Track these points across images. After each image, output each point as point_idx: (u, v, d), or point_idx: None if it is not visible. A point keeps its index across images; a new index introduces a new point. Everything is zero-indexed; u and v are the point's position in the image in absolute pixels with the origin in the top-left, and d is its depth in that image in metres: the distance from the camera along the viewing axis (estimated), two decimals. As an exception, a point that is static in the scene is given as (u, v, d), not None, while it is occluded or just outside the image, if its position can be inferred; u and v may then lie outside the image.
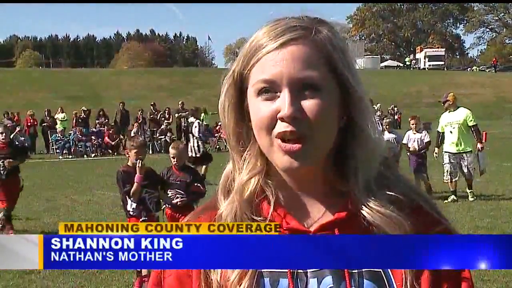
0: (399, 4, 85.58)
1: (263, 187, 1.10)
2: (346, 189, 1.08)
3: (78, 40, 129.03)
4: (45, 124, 24.79)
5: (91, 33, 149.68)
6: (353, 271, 1.03)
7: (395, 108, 33.88)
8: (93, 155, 22.70)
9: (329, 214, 1.08)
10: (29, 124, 24.47)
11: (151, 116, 25.28)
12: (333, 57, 1.03)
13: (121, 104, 26.11)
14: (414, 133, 11.11)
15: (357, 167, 1.07)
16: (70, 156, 22.24)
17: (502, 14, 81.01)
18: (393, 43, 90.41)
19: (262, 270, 1.02)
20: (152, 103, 26.52)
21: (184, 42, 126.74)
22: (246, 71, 1.05)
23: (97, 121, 25.10)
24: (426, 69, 64.76)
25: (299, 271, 1.03)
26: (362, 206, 1.06)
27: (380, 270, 1.04)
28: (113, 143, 23.47)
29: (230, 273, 1.04)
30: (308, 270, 1.03)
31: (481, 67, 70.70)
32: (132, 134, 6.33)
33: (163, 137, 24.32)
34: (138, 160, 5.99)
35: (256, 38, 1.05)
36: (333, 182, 1.10)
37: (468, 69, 65.81)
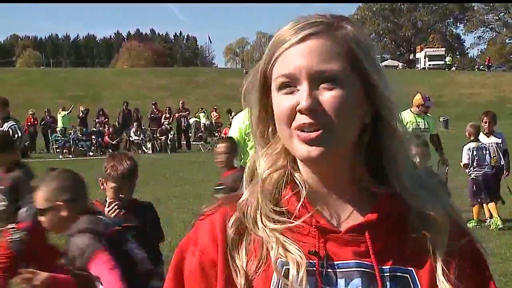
0: (399, 3, 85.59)
1: (292, 181, 1.10)
2: (377, 190, 1.08)
3: (78, 39, 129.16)
4: (45, 123, 24.80)
5: (91, 33, 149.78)
6: (383, 274, 1.02)
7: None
8: (92, 154, 22.70)
9: (358, 215, 1.07)
10: (29, 123, 24.46)
11: (152, 115, 25.30)
12: (354, 52, 1.03)
13: (124, 103, 26.05)
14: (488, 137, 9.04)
15: (391, 164, 1.07)
16: (70, 156, 22.23)
17: (502, 14, 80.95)
18: (393, 43, 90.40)
19: (303, 270, 1.01)
20: (153, 102, 26.55)
21: (184, 42, 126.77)
22: (270, 67, 1.07)
23: (97, 121, 25.11)
24: (426, 69, 64.76)
25: (328, 270, 1.03)
26: (403, 206, 1.06)
27: (407, 275, 1.04)
28: (113, 142, 23.50)
29: (255, 262, 1.04)
30: (337, 271, 1.03)
31: (481, 67, 70.79)
32: (113, 153, 4.16)
33: (163, 137, 24.34)
34: (111, 203, 3.41)
35: (279, 35, 1.06)
36: (362, 182, 1.10)
37: (453, 68, 65.26)
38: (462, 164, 8.90)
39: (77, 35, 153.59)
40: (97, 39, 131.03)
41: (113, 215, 3.30)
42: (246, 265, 1.04)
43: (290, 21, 1.07)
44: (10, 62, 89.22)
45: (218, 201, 1.15)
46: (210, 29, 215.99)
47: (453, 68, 58.06)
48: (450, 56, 65.87)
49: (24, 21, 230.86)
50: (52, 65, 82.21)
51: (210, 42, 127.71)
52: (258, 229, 1.06)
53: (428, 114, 8.48)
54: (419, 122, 8.22)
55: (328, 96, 1.01)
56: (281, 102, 1.04)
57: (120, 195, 3.47)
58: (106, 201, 3.47)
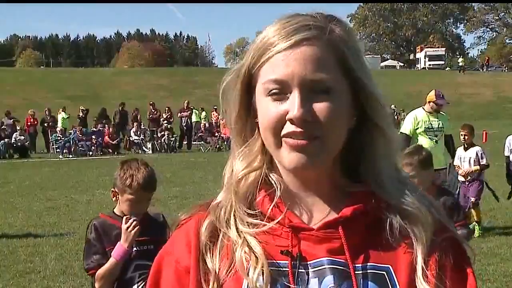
0: (399, 3, 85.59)
1: (265, 183, 1.07)
2: (353, 190, 1.06)
3: (78, 39, 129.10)
4: (45, 123, 24.79)
5: (91, 33, 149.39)
6: (356, 272, 1.01)
7: (394, 108, 33.79)
8: (92, 154, 22.68)
9: (333, 213, 1.05)
10: (29, 123, 24.45)
11: (150, 115, 25.30)
12: (346, 58, 1.01)
13: (120, 105, 26.03)
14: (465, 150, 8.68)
15: (371, 164, 1.06)
16: (70, 156, 22.23)
17: (502, 14, 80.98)
18: (393, 43, 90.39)
19: (263, 268, 1.00)
20: (151, 102, 26.52)
21: (184, 42, 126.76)
22: (256, 68, 1.03)
23: (97, 121, 25.11)
24: (426, 69, 64.79)
25: (300, 270, 1.01)
26: (380, 203, 1.04)
27: (384, 272, 1.02)
28: (113, 142, 23.50)
29: (226, 265, 1.03)
30: (310, 270, 1.01)
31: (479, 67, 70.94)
32: (127, 161, 3.20)
33: (163, 137, 24.33)
34: (128, 218, 2.99)
35: (268, 35, 1.01)
36: (339, 183, 1.08)
37: (447, 68, 65.21)
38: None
39: (77, 35, 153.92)
40: (97, 39, 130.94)
41: (133, 232, 2.94)
42: (219, 268, 1.03)
43: (278, 20, 1.02)
44: (10, 62, 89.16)
45: (195, 208, 1.12)
46: (210, 29, 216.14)
47: (462, 72, 57.50)
48: (462, 58, 65.53)
49: (24, 21, 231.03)
50: (52, 65, 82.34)
51: (210, 40, 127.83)
52: (231, 231, 1.04)
53: (441, 112, 8.03)
54: (432, 121, 7.74)
55: (320, 107, 0.98)
56: (269, 108, 1.00)
57: (136, 210, 3.05)
58: (114, 212, 3.12)
